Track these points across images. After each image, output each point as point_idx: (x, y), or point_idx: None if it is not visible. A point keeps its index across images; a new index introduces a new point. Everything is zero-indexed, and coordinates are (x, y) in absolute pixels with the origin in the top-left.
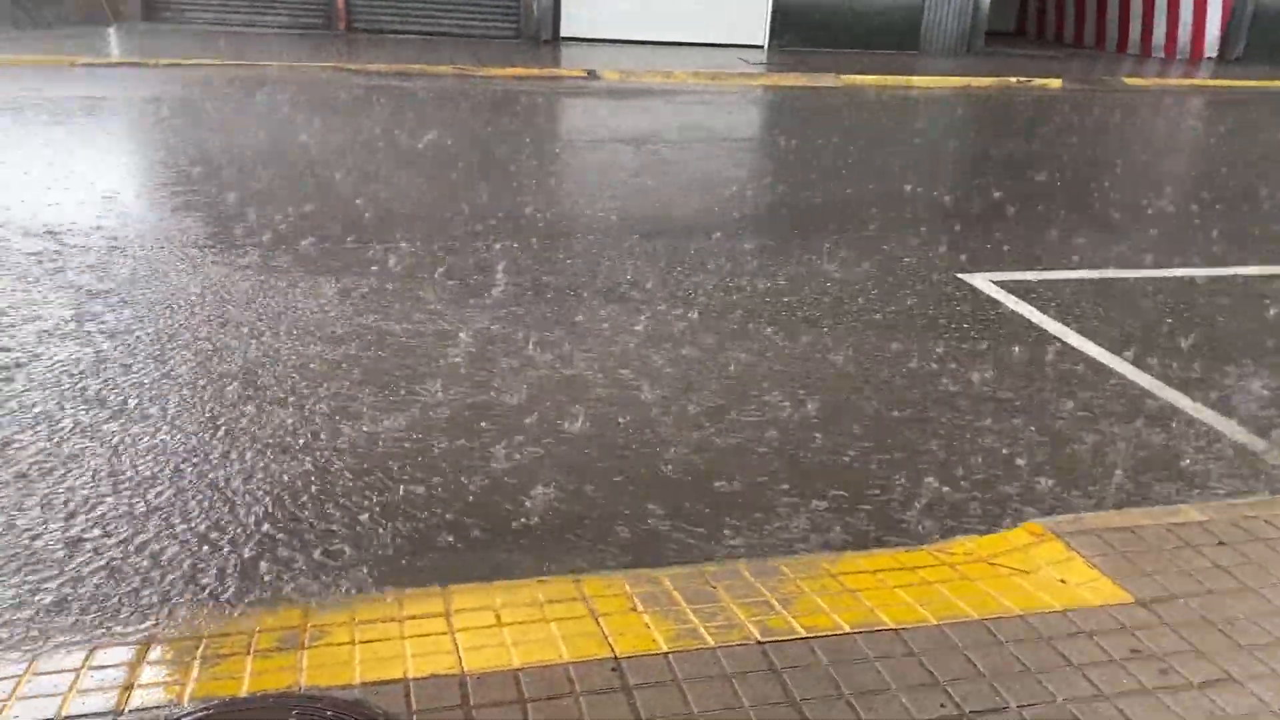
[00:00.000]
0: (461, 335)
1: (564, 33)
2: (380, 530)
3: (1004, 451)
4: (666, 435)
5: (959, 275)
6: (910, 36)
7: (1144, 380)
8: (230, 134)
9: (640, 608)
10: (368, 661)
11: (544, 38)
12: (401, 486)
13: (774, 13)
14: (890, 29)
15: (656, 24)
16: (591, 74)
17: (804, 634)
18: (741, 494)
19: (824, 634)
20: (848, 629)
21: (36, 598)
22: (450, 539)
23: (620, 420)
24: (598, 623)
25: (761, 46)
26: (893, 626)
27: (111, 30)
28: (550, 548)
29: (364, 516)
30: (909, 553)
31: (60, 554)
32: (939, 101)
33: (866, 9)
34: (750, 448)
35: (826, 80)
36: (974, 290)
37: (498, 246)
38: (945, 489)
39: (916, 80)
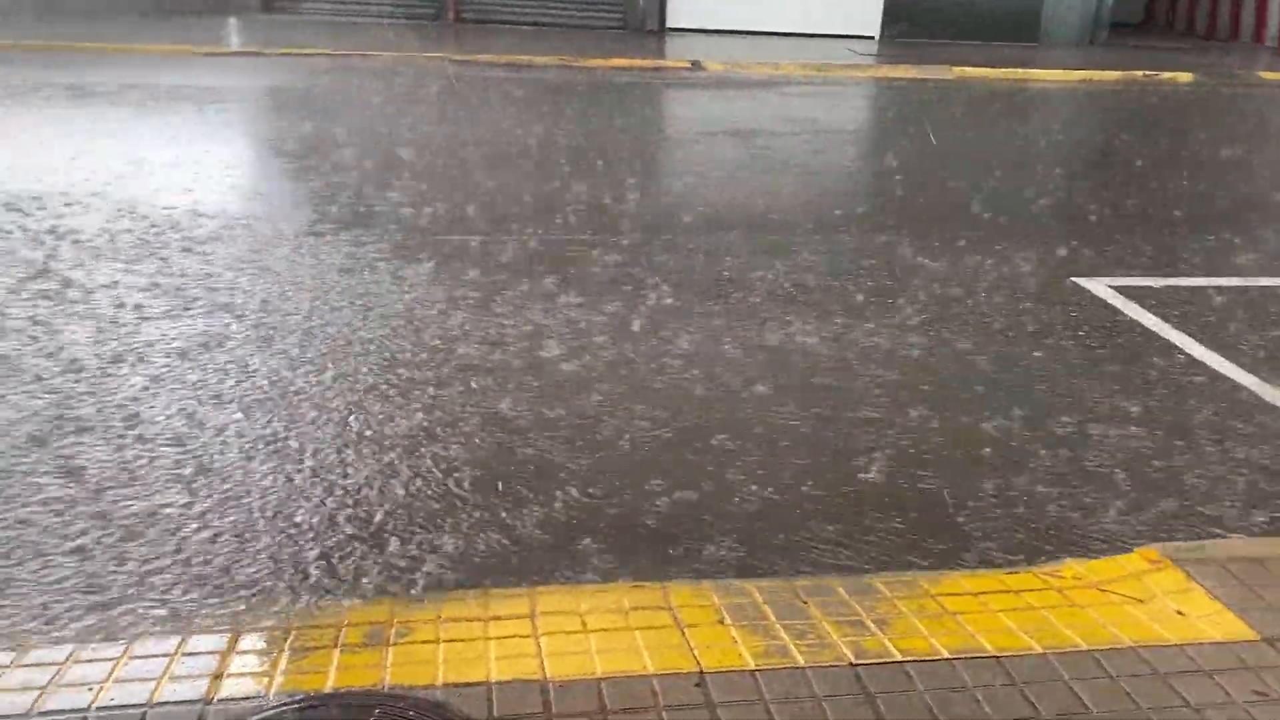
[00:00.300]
0: (566, 330)
1: (670, 23)
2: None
3: (1119, 469)
4: (777, 436)
5: (1075, 279)
6: (1029, 28)
7: (1275, 398)
8: (337, 123)
9: (728, 620)
10: (451, 662)
11: (649, 28)
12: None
13: (886, 3)
14: (1008, 20)
15: (764, 14)
16: (695, 64)
17: (899, 657)
18: (837, 503)
19: (920, 658)
20: (946, 654)
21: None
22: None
23: (717, 419)
24: (683, 634)
25: (873, 38)
26: (994, 653)
27: (232, 20)
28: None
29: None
30: (1014, 574)
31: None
32: (1058, 96)
33: None
34: (850, 452)
35: (939, 72)
36: (1090, 295)
37: (592, 239)
38: (1055, 505)
39: (1035, 73)
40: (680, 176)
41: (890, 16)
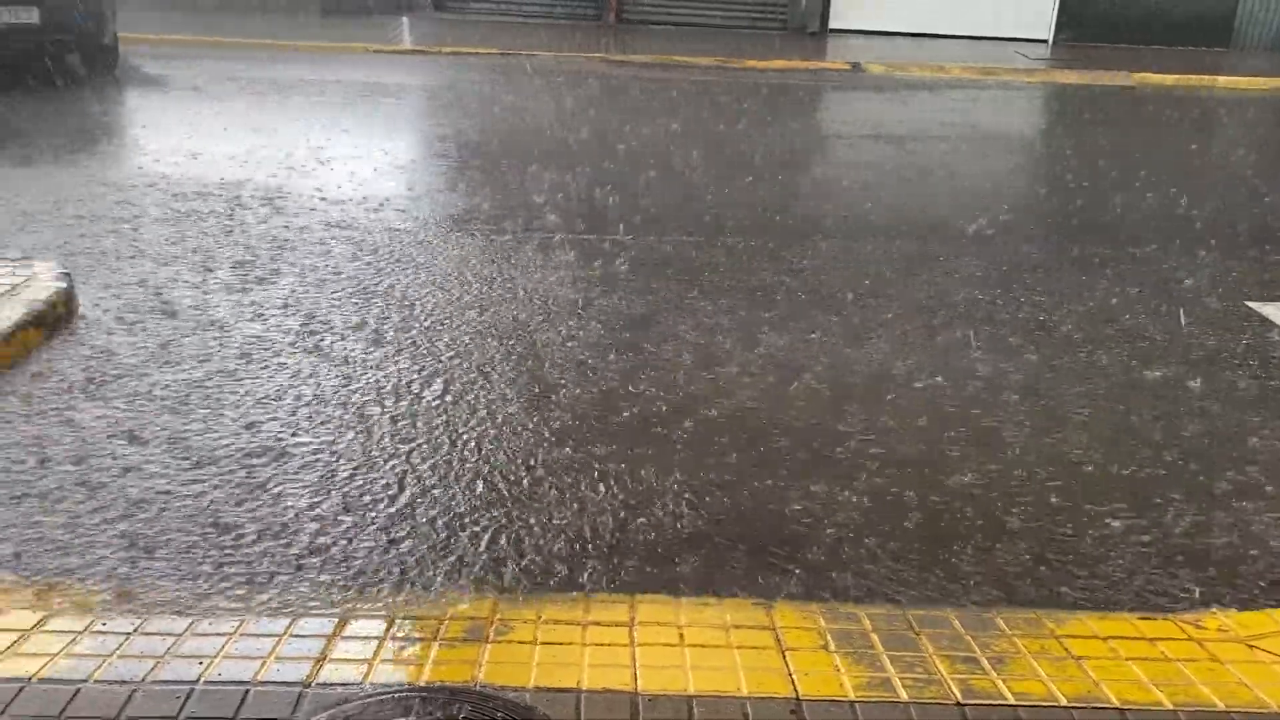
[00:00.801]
0: (717, 335)
1: (833, 25)
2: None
3: None
4: (925, 461)
5: (1248, 304)
6: (1220, 31)
7: None
8: (496, 120)
9: (833, 646)
10: (545, 665)
11: (811, 30)
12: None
13: (1060, 4)
14: (1196, 23)
15: (931, 16)
16: (855, 67)
17: (1012, 700)
18: (969, 534)
19: (1035, 703)
20: (1064, 701)
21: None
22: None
23: (873, 443)
24: (784, 657)
25: (1045, 41)
26: (1118, 705)
27: (405, 19)
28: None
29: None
30: (1152, 621)
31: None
32: (1249, 105)
33: (1169, 1)
34: (996, 484)
35: (1116, 78)
36: (1265, 321)
37: (738, 243)
38: (1209, 548)
39: (1224, 80)
40: (823, 180)
41: (1065, 19)
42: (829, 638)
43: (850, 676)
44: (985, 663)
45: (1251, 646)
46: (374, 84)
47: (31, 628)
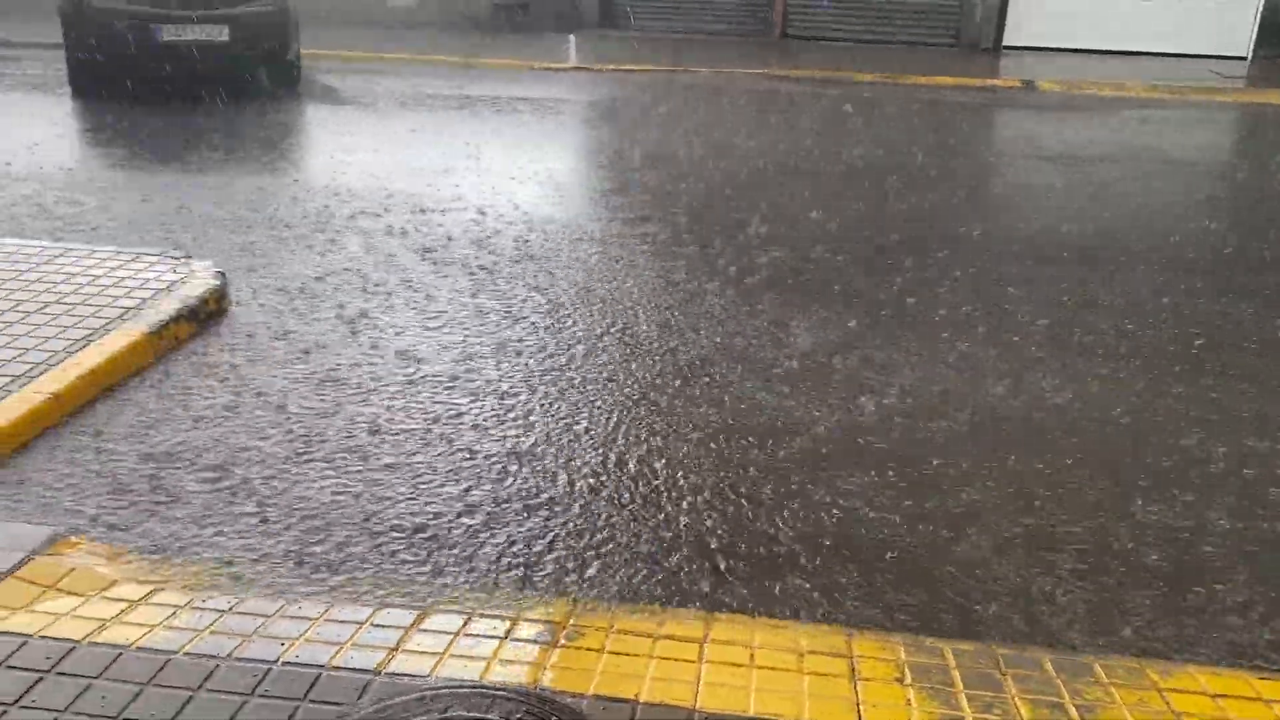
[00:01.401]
0: (896, 361)
1: (1008, 41)
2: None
3: None
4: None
5: None
6: None
7: None
8: (652, 135)
9: (908, 679)
10: (608, 674)
11: (984, 46)
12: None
13: (1262, 18)
14: None
15: (1115, 32)
16: (1028, 84)
17: None
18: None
19: None
20: None
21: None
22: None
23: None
24: (854, 687)
25: (1243, 58)
26: None
27: (572, 37)
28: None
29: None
30: (1271, 680)
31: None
32: None
33: None
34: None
35: None
36: None
37: (896, 263)
38: None
39: None
40: (978, 201)
41: (1266, 34)
42: (906, 670)
43: (921, 712)
44: (1072, 710)
45: None
46: (538, 99)
47: (139, 600)
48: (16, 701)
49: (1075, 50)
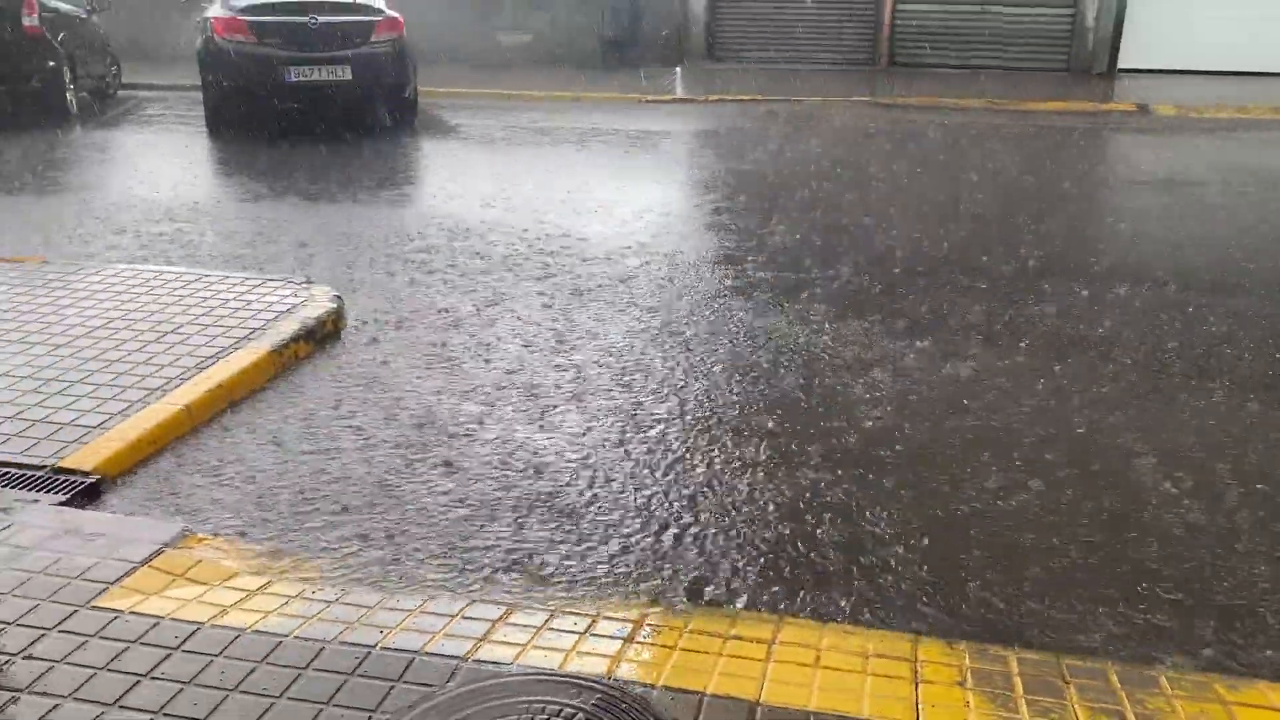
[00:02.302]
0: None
1: (1123, 64)
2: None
3: None
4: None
5: None
6: None
7: None
8: (756, 164)
9: (969, 684)
10: (679, 667)
11: (1097, 70)
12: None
13: None
14: None
15: (1238, 52)
16: (1143, 108)
17: None
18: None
19: None
20: None
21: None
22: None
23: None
24: (915, 689)
25: None
26: None
27: (678, 70)
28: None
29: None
30: None
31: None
32: None
33: None
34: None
35: None
36: None
37: (978, 287)
38: None
39: None
40: (1075, 227)
41: None
42: (968, 675)
43: (978, 714)
44: (1131, 718)
45: None
46: (643, 131)
47: (256, 590)
48: (149, 673)
49: (1194, 72)
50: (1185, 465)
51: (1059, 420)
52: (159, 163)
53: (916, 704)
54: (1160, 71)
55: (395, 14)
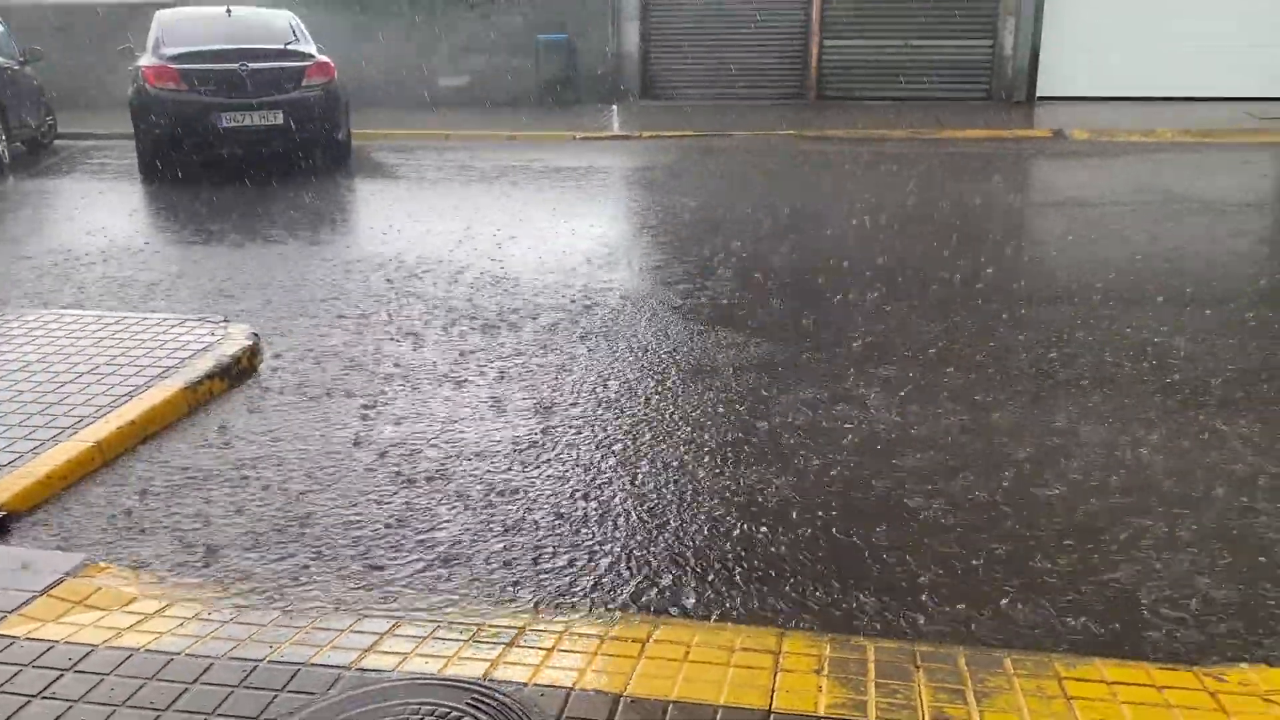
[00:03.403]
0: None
1: (1041, 92)
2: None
3: None
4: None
5: None
6: None
7: None
8: (689, 196)
9: (826, 671)
10: (554, 668)
11: (1016, 99)
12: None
13: None
14: None
15: (1150, 79)
16: (1058, 134)
17: None
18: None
19: None
20: None
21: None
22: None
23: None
24: (774, 677)
25: None
26: None
27: (614, 107)
28: None
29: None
30: (1169, 670)
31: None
32: None
33: None
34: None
35: None
36: None
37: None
38: None
39: None
40: (989, 248)
41: None
42: (826, 663)
43: (829, 697)
44: (970, 695)
45: (1267, 700)
46: (577, 167)
47: (153, 613)
48: (40, 693)
49: (1108, 99)
50: (1051, 459)
51: (935, 422)
52: (91, 210)
53: (772, 690)
54: (1076, 99)
55: (326, 59)
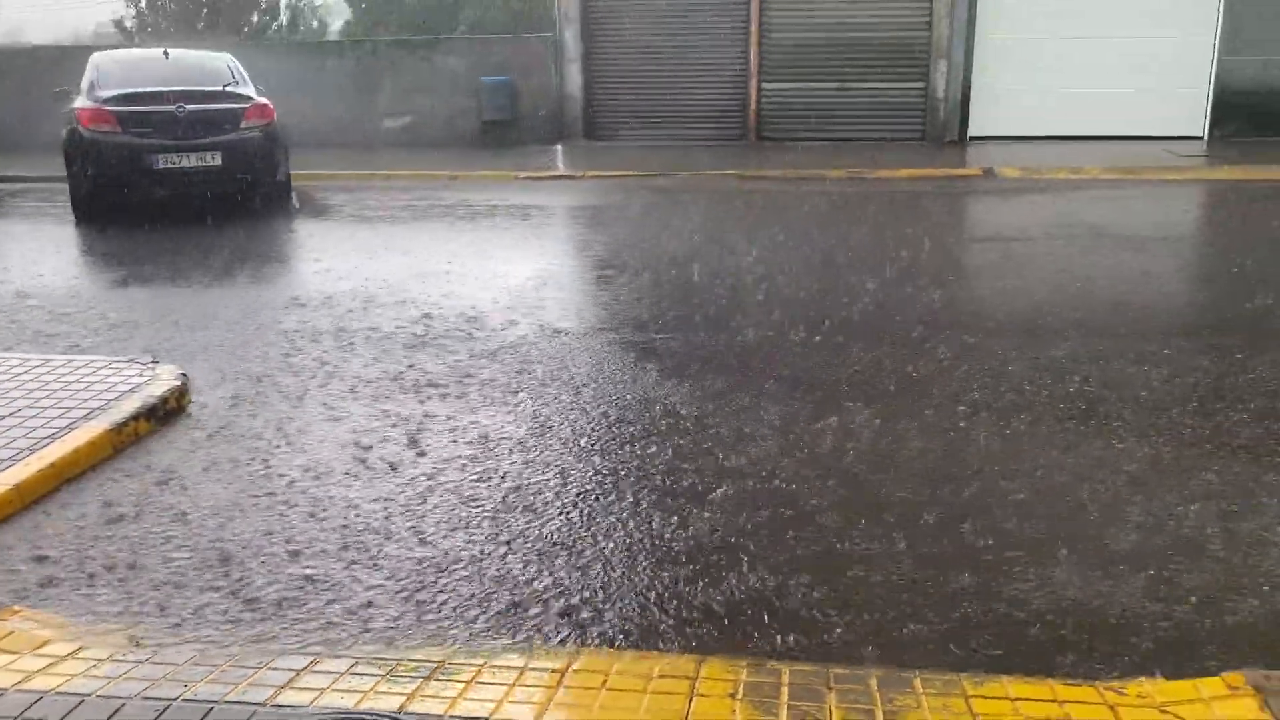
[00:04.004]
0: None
1: (973, 132)
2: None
3: None
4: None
5: None
6: None
7: None
8: (630, 234)
9: (739, 695)
10: (470, 699)
11: (949, 139)
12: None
13: (1215, 100)
14: None
15: (1076, 119)
16: (988, 172)
17: None
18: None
19: None
20: None
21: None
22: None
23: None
24: (689, 702)
25: (1200, 138)
26: None
27: (558, 147)
28: None
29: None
30: (1071, 685)
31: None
32: None
33: None
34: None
35: (1272, 173)
36: None
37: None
38: None
39: None
40: (911, 280)
41: (1219, 114)
42: (741, 688)
43: (742, 715)
44: (880, 714)
45: (1163, 711)
46: (519, 206)
47: (66, 655)
48: None
49: (1038, 138)
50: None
51: (824, 445)
52: (22, 252)
53: (686, 715)
54: (1007, 138)
55: (265, 100)
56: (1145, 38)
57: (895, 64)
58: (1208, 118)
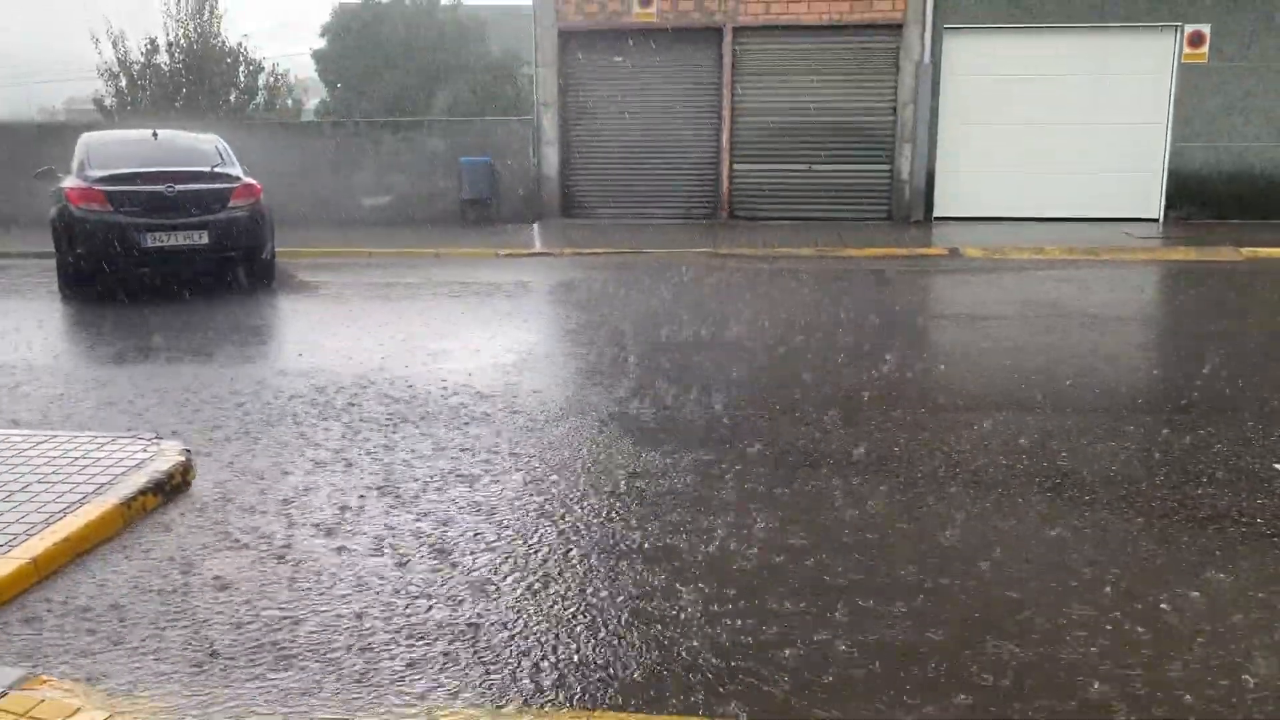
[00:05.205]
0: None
1: (938, 213)
2: None
3: None
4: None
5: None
6: None
7: None
8: (608, 310)
9: None
10: None
11: (915, 219)
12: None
13: (1169, 184)
14: None
15: (1037, 201)
16: (953, 252)
17: None
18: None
19: None
20: None
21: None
22: None
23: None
24: None
25: (1156, 220)
26: None
27: (535, 226)
28: None
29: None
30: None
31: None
32: None
33: None
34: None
35: (1223, 254)
36: None
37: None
38: None
39: None
40: (876, 358)
41: (1174, 198)
42: None
43: None
44: None
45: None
46: (499, 283)
47: None
48: None
49: (1000, 219)
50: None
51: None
52: (10, 328)
53: None
54: (971, 219)
55: (252, 180)
56: (1103, 125)
57: (862, 147)
58: (1163, 201)
